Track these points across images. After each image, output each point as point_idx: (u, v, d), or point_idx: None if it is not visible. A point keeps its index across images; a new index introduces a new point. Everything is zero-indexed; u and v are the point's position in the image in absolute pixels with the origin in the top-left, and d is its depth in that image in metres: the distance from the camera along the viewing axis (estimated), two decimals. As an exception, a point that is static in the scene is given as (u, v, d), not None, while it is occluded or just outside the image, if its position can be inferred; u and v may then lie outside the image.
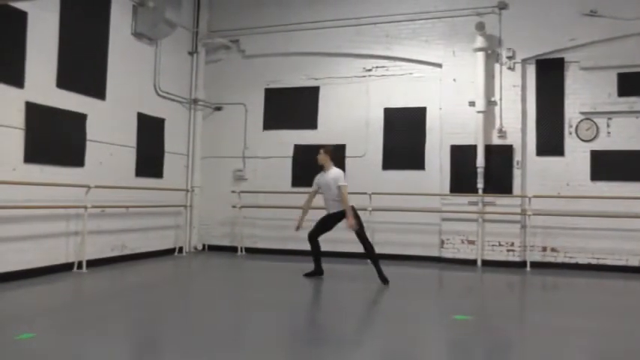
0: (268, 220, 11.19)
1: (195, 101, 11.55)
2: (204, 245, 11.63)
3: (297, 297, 7.09)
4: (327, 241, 8.81)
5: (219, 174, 11.58)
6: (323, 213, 8.45)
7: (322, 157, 8.06)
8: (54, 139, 8.11)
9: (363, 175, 10.73)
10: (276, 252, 10.93)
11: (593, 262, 9.76)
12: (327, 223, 8.06)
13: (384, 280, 7.81)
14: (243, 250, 11.18)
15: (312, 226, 8.11)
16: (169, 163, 10.88)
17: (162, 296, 6.99)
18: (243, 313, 6.09)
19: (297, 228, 8.26)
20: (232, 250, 11.24)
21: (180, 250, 10.95)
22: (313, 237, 8.07)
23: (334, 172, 7.99)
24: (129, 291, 7.36)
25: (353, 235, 8.09)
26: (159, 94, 10.61)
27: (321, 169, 8.27)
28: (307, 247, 10.41)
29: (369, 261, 8.19)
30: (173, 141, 11.01)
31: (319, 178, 8.08)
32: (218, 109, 11.82)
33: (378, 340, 5.15)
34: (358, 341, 5.16)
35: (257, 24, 11.47)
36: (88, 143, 8.71)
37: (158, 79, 10.53)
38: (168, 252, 10.79)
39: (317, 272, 8.18)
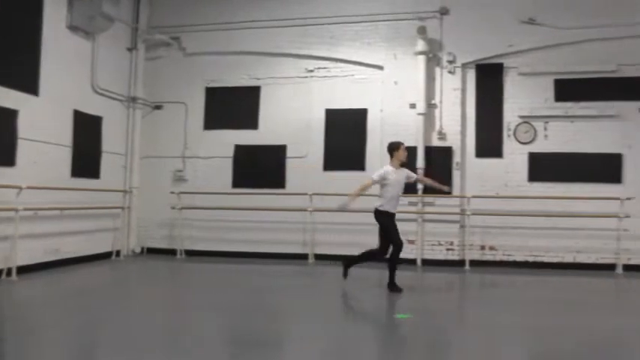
0: (208, 222, 11.18)
1: (134, 99, 11.44)
2: (142, 248, 11.52)
3: (235, 299, 7.13)
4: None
5: (159, 174, 11.51)
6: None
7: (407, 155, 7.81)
8: (-21, 136, 7.80)
9: (305, 176, 10.93)
10: (217, 254, 10.93)
11: (530, 259, 10.26)
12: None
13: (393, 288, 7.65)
14: (183, 252, 11.13)
15: (393, 237, 7.68)
16: (107, 163, 10.71)
17: (98, 303, 6.85)
18: (180, 317, 6.09)
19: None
20: (171, 252, 11.17)
21: (118, 253, 10.80)
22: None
23: (405, 170, 7.85)
24: (63, 298, 7.18)
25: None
26: (96, 92, 10.44)
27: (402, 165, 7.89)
28: (247, 248, 10.65)
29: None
30: (111, 140, 10.85)
31: (391, 173, 7.68)
32: (158, 107, 11.75)
33: (319, 340, 5.21)
34: (299, 341, 5.23)
35: (199, 21, 11.47)
36: (19, 141, 8.44)
37: (95, 75, 10.36)
38: (105, 256, 10.60)
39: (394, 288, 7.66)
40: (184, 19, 11.54)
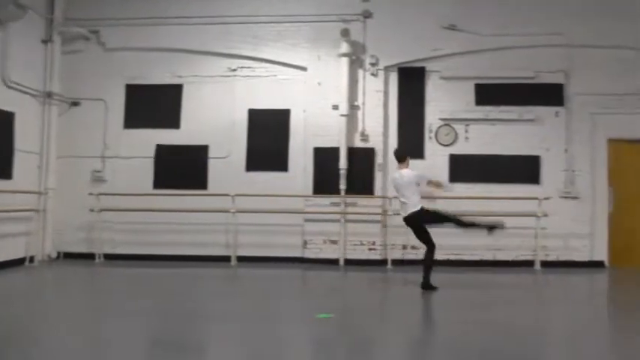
0: (129, 224, 11.03)
1: (49, 95, 11.03)
2: (59, 253, 11.19)
3: (155, 304, 7.10)
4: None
5: (77, 175, 11.19)
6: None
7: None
8: None
9: (227, 176, 10.96)
10: (138, 257, 10.84)
11: (452, 258, 10.60)
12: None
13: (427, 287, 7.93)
14: (102, 256, 10.95)
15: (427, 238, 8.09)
16: (20, 162, 10.31)
17: (9, 312, 6.60)
18: (98, 324, 6.05)
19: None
20: (90, 257, 10.93)
21: (32, 259, 10.42)
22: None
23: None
24: None
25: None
26: (8, 85, 9.99)
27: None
28: (169, 251, 10.65)
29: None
30: (24, 138, 10.45)
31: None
32: (75, 104, 11.40)
33: (240, 342, 5.29)
34: (219, 345, 5.33)
35: (119, 15, 11.19)
36: None
37: (6, 67, 9.90)
38: (18, 262, 10.20)
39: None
40: (104, 12, 11.23)
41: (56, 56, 11.15)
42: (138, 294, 7.89)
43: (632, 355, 4.94)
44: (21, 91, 10.35)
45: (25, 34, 10.40)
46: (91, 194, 10.94)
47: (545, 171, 10.68)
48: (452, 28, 10.64)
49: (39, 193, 10.80)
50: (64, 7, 11.25)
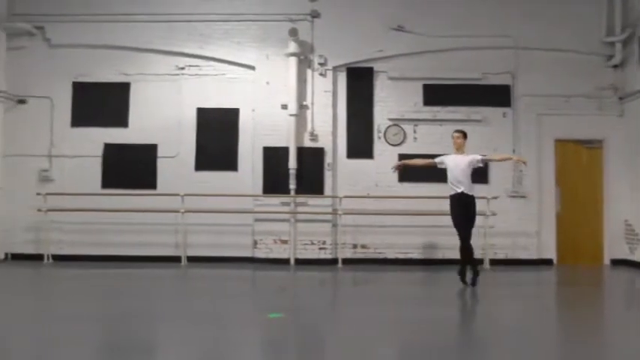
0: (77, 225, 11.59)
1: (-5, 92, 11.62)
2: (6, 254, 11.74)
3: (105, 306, 7.36)
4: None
5: (23, 174, 11.70)
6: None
7: (460, 142, 8.81)
8: None
9: (176, 175, 11.58)
10: (87, 258, 11.40)
11: (401, 256, 11.48)
12: (465, 214, 8.61)
13: (473, 282, 8.65)
14: (50, 257, 11.47)
15: (460, 235, 8.63)
16: (-36, 161, 10.84)
17: None
18: (45, 327, 6.15)
19: (399, 167, 9.57)
20: (38, 258, 11.46)
21: (-23, 260, 10.94)
22: (467, 241, 8.58)
23: (469, 156, 8.74)
24: None
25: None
26: (-52, 81, 10.46)
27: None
28: (118, 252, 11.27)
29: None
30: (-31, 136, 10.98)
31: (449, 159, 8.81)
32: (21, 102, 11.91)
33: (189, 344, 5.42)
34: (168, 346, 5.54)
35: (65, 11, 11.70)
36: None
37: (-52, 63, 10.36)
38: (-38, 263, 10.67)
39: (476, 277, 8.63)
40: (49, 8, 11.71)
41: (1, 52, 11.65)
42: (85, 295, 8.25)
43: (575, 351, 5.34)
44: (-35, 88, 10.81)
45: (-31, 29, 10.82)
46: (38, 194, 11.44)
47: (494, 171, 11.48)
48: (399, 29, 11.39)
49: (-16, 192, 11.32)
50: (9, 2, 11.75)
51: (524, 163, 9.11)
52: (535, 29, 11.37)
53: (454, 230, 10.93)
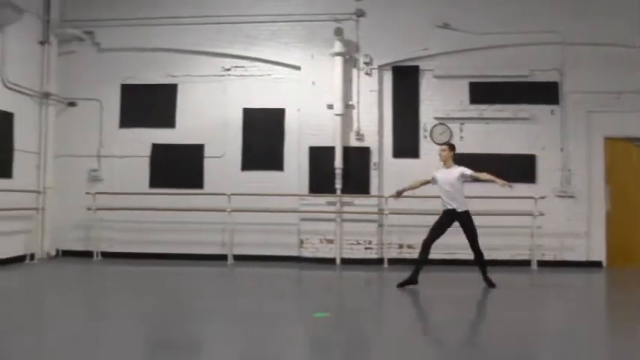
0: (126, 223, 11.87)
1: (46, 95, 11.91)
2: (57, 251, 12.10)
3: (153, 303, 7.49)
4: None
5: (74, 174, 12.06)
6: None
7: (446, 154, 8.69)
8: None
9: (222, 175, 11.74)
10: (135, 256, 11.64)
11: (447, 257, 11.28)
12: (443, 225, 8.64)
13: (490, 284, 8.70)
14: (100, 254, 11.80)
15: (427, 234, 8.66)
16: (19, 162, 11.19)
17: (9, 309, 7.10)
18: (96, 323, 6.39)
19: (398, 194, 9.16)
20: (88, 255, 11.79)
21: (32, 257, 11.33)
22: (428, 244, 8.62)
23: (457, 169, 8.63)
24: None
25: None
26: (6, 86, 10.86)
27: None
28: (165, 250, 11.46)
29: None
30: (23, 138, 11.32)
31: (438, 174, 8.78)
32: (72, 104, 12.27)
33: (236, 342, 5.59)
34: (216, 344, 5.62)
35: (113, 16, 12.03)
36: None
37: (5, 69, 10.79)
38: (18, 259, 11.11)
39: (413, 281, 8.60)
40: (98, 14, 12.07)
41: (53, 57, 12.02)
42: (135, 292, 8.47)
43: (626, 354, 5.31)
44: (19, 92, 11.22)
45: (23, 36, 11.25)
46: (88, 193, 11.81)
47: (541, 170, 11.37)
48: (445, 26, 11.37)
49: (37, 192, 11.70)
50: (60, 9, 12.13)
51: (509, 186, 8.74)
52: (583, 24, 11.20)
53: (503, 230, 11.06)
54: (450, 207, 8.54)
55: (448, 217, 8.59)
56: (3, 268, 10.39)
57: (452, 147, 8.84)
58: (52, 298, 8.27)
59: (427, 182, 8.92)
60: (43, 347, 5.55)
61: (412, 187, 9.29)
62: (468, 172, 8.53)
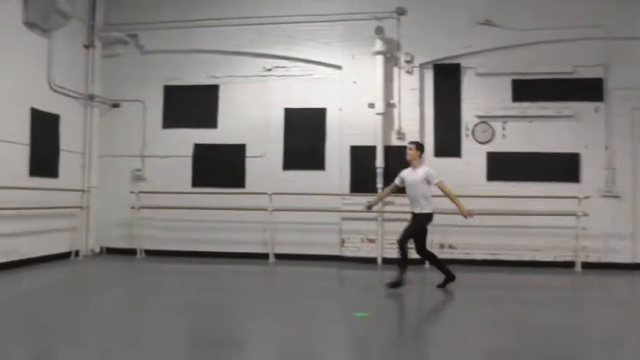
0: (168, 222, 12.06)
1: (91, 97, 12.22)
2: (101, 248, 12.39)
3: (195, 299, 7.64)
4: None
5: (117, 173, 12.36)
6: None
7: (412, 153, 8.41)
8: None
9: (264, 175, 11.83)
10: (177, 254, 11.82)
11: (489, 257, 11.25)
12: (417, 227, 8.31)
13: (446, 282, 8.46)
14: (143, 252, 12.01)
15: (401, 233, 8.36)
16: (65, 161, 11.49)
17: (56, 304, 7.32)
18: (140, 319, 6.52)
19: (369, 207, 8.79)
20: (131, 252, 12.02)
21: (77, 253, 11.63)
22: (403, 243, 8.25)
23: (424, 170, 8.34)
24: (21, 299, 7.60)
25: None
26: (53, 89, 11.18)
27: (407, 165, 8.60)
28: (207, 248, 11.54)
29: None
30: (69, 139, 11.63)
31: (406, 174, 8.44)
32: (116, 105, 12.56)
33: (277, 340, 5.66)
34: (258, 342, 5.65)
35: (156, 19, 12.28)
36: (-25, 140, 9.11)
37: (52, 72, 11.10)
38: (64, 256, 11.42)
39: (400, 282, 8.32)
40: (141, 17, 12.34)
41: (97, 60, 12.36)
42: (177, 289, 8.59)
43: None
44: (65, 94, 11.54)
45: (69, 40, 11.59)
46: (131, 192, 12.08)
47: (585, 169, 11.16)
48: (487, 23, 11.30)
49: (82, 190, 12.01)
50: (105, 13, 12.46)
51: (471, 217, 8.40)
52: (628, 18, 11.00)
53: (545, 231, 10.90)
54: (414, 210, 8.29)
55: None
56: (49, 264, 10.67)
57: (419, 146, 8.53)
58: (98, 293, 8.46)
59: (396, 187, 8.57)
60: (92, 339, 5.64)
61: (381, 198, 9.19)
62: (434, 180, 8.25)
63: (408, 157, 8.46)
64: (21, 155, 10.22)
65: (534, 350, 5.36)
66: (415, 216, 8.28)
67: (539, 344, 5.53)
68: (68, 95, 11.64)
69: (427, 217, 8.29)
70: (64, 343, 5.51)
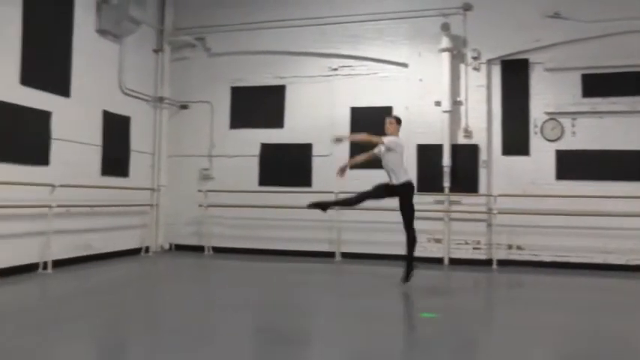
0: (235, 220, 12.28)
1: (160, 99, 12.62)
2: (170, 245, 12.73)
3: (263, 296, 7.73)
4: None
5: (186, 173, 12.72)
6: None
7: (393, 127, 8.58)
8: (17, 136, 8.90)
9: (331, 174, 11.72)
10: (244, 251, 12.01)
11: (558, 259, 10.94)
12: (410, 201, 8.32)
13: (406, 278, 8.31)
14: (211, 249, 12.27)
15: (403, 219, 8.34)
16: (135, 161, 11.92)
17: (129, 297, 7.60)
18: (210, 314, 6.61)
19: (342, 170, 8.79)
20: (199, 249, 12.31)
21: (147, 249, 11.99)
22: (363, 197, 8.34)
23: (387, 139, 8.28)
24: (95, 291, 7.90)
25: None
26: (124, 92, 11.63)
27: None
28: (273, 246, 11.64)
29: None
30: (139, 139, 12.07)
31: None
32: (184, 107, 12.92)
33: (345, 339, 5.60)
34: (325, 340, 5.67)
35: (222, 22, 12.59)
36: (52, 142, 9.61)
37: (123, 76, 11.56)
38: (135, 252, 11.80)
39: (412, 270, 8.36)
40: (208, 21, 12.68)
41: (166, 64, 12.78)
42: (245, 285, 8.71)
43: None
44: (135, 97, 11.98)
45: (139, 45, 12.05)
46: (199, 191, 12.39)
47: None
48: (556, 16, 11.02)
49: (152, 189, 12.41)
50: (173, 18, 12.87)
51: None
52: None
53: (617, 233, 10.56)
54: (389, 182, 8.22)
55: (388, 190, 8.25)
56: (121, 259, 11.07)
57: (399, 120, 8.61)
58: (167, 288, 8.65)
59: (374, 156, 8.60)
60: (163, 331, 5.80)
61: (357, 161, 9.02)
62: (393, 145, 8.23)
63: (388, 132, 8.49)
64: (94, 156, 10.66)
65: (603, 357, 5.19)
66: (396, 188, 8.21)
67: (616, 354, 5.29)
68: (138, 98, 12.06)
69: (408, 186, 8.29)
70: (136, 336, 5.69)
